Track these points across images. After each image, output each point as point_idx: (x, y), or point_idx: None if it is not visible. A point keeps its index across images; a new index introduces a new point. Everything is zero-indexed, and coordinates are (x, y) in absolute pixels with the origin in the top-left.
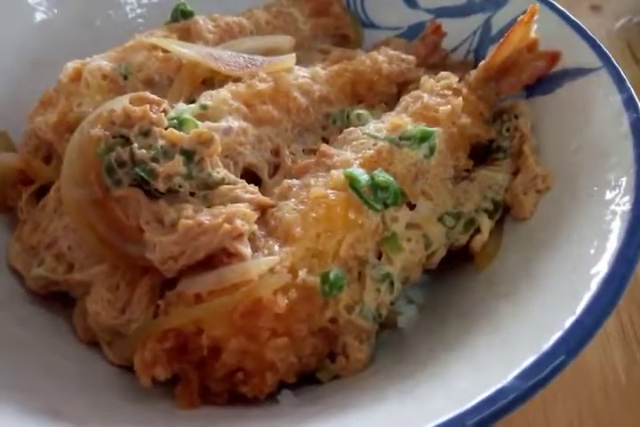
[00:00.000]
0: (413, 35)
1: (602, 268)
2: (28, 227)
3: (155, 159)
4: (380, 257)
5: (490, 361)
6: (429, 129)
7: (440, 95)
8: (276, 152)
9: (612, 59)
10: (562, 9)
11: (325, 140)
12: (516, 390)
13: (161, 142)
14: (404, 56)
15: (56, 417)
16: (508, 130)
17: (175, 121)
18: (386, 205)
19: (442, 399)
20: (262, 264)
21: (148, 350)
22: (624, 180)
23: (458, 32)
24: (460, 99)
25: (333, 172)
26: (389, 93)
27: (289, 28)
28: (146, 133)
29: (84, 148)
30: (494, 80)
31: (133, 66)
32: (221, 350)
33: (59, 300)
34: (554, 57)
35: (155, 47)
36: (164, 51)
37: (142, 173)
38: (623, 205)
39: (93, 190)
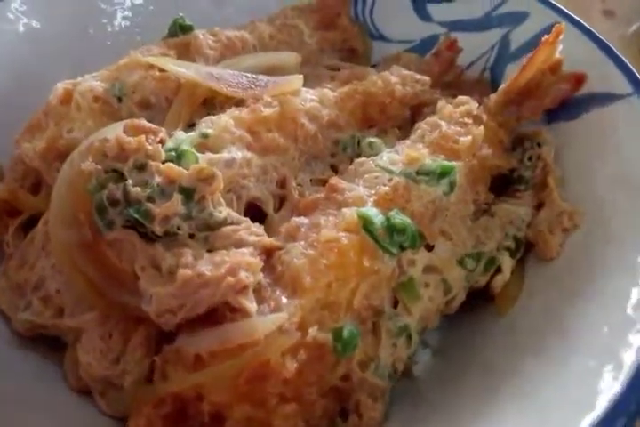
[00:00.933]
0: (426, 49)
1: None
2: (15, 262)
3: (151, 198)
4: (395, 305)
5: None
6: (449, 164)
7: (459, 123)
8: (282, 183)
9: None
10: (588, 27)
11: (334, 169)
12: None
13: (158, 179)
14: (418, 77)
15: None
16: (530, 159)
17: (173, 153)
18: (402, 248)
19: None
20: (269, 322)
21: (144, 417)
22: None
23: (473, 47)
24: (482, 128)
25: (345, 211)
26: (403, 117)
27: (294, 42)
28: (141, 168)
29: (73, 183)
30: (515, 104)
31: (128, 86)
32: (225, 418)
33: (48, 343)
34: (579, 79)
35: (151, 66)
36: (161, 69)
37: (137, 215)
38: None
39: (83, 232)
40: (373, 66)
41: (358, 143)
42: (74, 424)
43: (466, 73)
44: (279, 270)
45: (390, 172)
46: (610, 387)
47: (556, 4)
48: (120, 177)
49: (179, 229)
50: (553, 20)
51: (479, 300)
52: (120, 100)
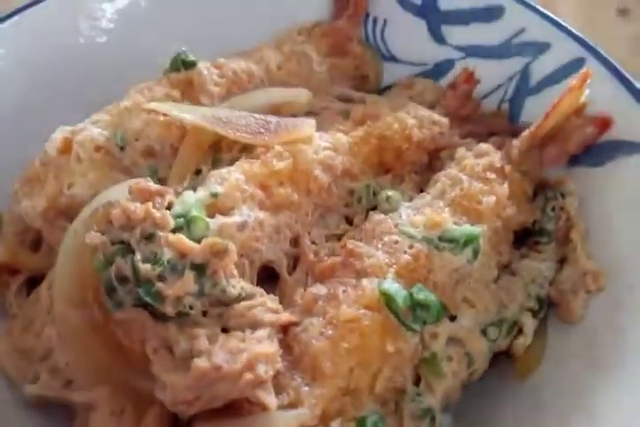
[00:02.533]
0: (440, 73)
1: None
2: (19, 324)
3: (161, 277)
4: (417, 381)
5: None
6: (474, 231)
7: (481, 179)
8: (296, 241)
9: None
10: (615, 65)
11: (349, 221)
12: None
13: (168, 255)
14: (436, 118)
15: None
16: (552, 209)
17: (182, 220)
18: (425, 323)
19: None
20: (291, 419)
21: None
22: None
23: (491, 77)
24: (505, 186)
25: (365, 283)
26: (420, 162)
27: (303, 71)
28: (149, 238)
29: (78, 257)
30: (538, 148)
31: (130, 133)
32: None
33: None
34: (605, 123)
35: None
36: (165, 113)
37: (147, 298)
38: None
39: (92, 313)
40: (384, 89)
41: (374, 193)
42: None
43: (483, 105)
44: (297, 352)
45: (411, 237)
46: None
47: (580, 36)
48: (127, 249)
49: (191, 308)
50: (577, 53)
51: (500, 359)
52: (122, 149)
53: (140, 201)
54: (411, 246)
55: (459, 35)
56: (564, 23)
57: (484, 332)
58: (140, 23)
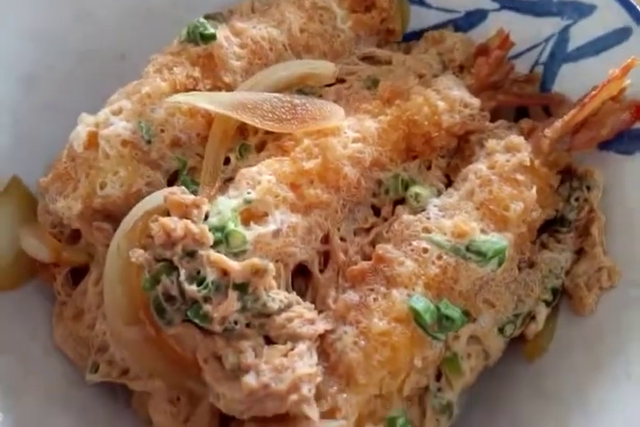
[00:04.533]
0: (471, 23)
1: None
2: (70, 312)
3: (207, 298)
4: (438, 377)
5: None
6: (501, 246)
7: (511, 181)
8: (326, 239)
9: None
10: None
11: (376, 210)
12: None
13: (211, 276)
14: (467, 100)
15: None
16: (576, 200)
17: (220, 234)
18: (448, 331)
19: None
20: None
21: None
22: None
23: (526, 34)
24: (534, 191)
25: (395, 295)
26: (449, 148)
27: (327, 31)
28: (191, 254)
29: (125, 277)
30: (570, 133)
31: (155, 125)
32: None
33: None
34: (638, 110)
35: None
36: None
37: (196, 320)
38: None
39: (146, 329)
40: (411, 36)
41: (403, 184)
42: None
43: (514, 65)
44: (333, 359)
45: (440, 246)
46: None
47: (632, 1)
48: (171, 266)
49: (236, 323)
50: (624, 21)
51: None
52: (149, 142)
53: (178, 214)
54: (439, 257)
55: None
56: None
57: (500, 329)
58: None
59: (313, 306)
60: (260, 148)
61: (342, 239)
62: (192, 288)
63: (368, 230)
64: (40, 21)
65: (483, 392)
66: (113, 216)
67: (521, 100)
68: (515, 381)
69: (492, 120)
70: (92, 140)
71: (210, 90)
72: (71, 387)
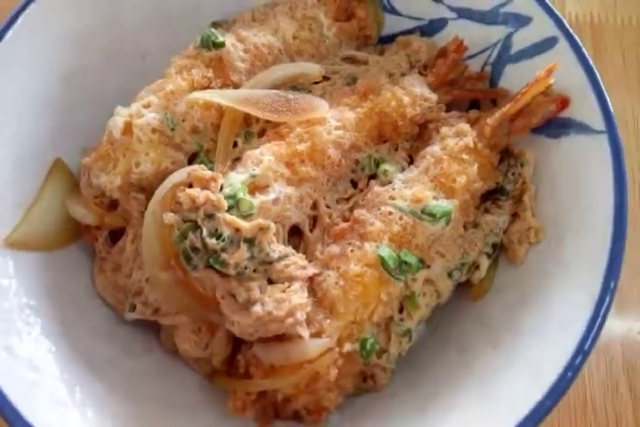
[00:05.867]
0: (434, 29)
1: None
2: (109, 265)
3: (224, 249)
4: (401, 310)
5: (478, 415)
6: (447, 208)
7: (458, 160)
8: (314, 205)
9: (616, 128)
10: (583, 51)
11: (354, 184)
12: None
13: (227, 232)
14: (426, 95)
15: None
16: (512, 174)
17: (232, 200)
18: (407, 274)
19: None
20: (320, 346)
21: (239, 399)
22: (600, 261)
23: (478, 39)
24: (475, 167)
25: (367, 246)
26: (412, 133)
27: (315, 37)
28: (210, 216)
29: (160, 234)
30: (508, 121)
31: (178, 116)
32: (291, 401)
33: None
34: (564, 102)
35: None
36: None
37: (216, 265)
38: (594, 282)
39: (176, 273)
40: (385, 40)
41: (375, 163)
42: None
43: (468, 65)
44: (319, 295)
45: (401, 210)
46: (538, 390)
47: (558, 15)
48: (195, 225)
49: (245, 268)
50: (552, 32)
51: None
52: (173, 129)
53: (199, 186)
54: (401, 218)
55: None
56: (546, 0)
57: (449, 274)
58: None
59: (304, 256)
60: (261, 134)
61: (327, 206)
62: (212, 242)
63: (347, 199)
64: (77, 25)
65: (438, 325)
66: (145, 188)
67: (473, 94)
68: (462, 315)
69: (448, 110)
70: (128, 128)
71: (221, 87)
72: (112, 324)
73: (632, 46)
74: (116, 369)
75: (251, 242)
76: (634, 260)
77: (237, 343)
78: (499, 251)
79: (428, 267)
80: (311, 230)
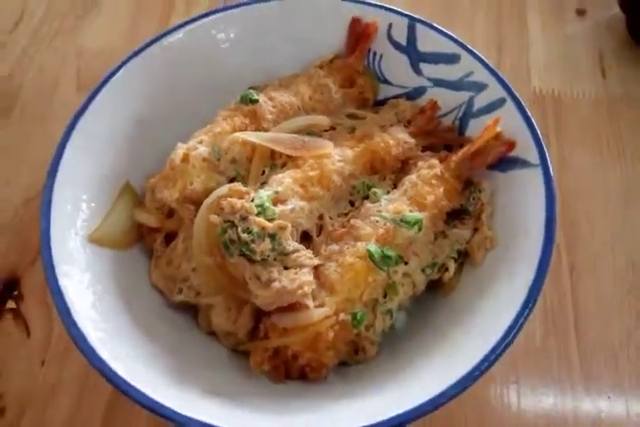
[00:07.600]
0: (417, 94)
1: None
2: (164, 261)
3: (253, 241)
4: (385, 296)
5: (441, 370)
6: (419, 217)
7: (429, 184)
8: (321, 217)
9: (549, 161)
10: (524, 106)
11: (351, 203)
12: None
13: (255, 229)
14: (407, 140)
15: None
16: (473, 199)
17: (260, 208)
18: (389, 266)
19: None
20: (321, 313)
21: (259, 356)
22: (535, 258)
23: (449, 101)
24: (441, 190)
25: (359, 244)
26: (396, 167)
27: (325, 98)
28: (244, 218)
29: (207, 230)
30: (469, 159)
31: (222, 150)
32: (298, 357)
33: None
34: (511, 145)
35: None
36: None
37: (247, 253)
38: (531, 271)
39: (217, 259)
40: (380, 102)
41: (367, 187)
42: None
43: (442, 122)
44: (322, 280)
45: (385, 219)
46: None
47: (506, 82)
48: (233, 224)
49: (268, 256)
50: (501, 94)
51: (433, 284)
52: (218, 160)
53: (237, 197)
54: (385, 224)
55: (430, 70)
56: (497, 71)
57: (423, 270)
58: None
59: (312, 252)
60: (283, 165)
61: (330, 218)
62: (244, 236)
63: (346, 214)
64: (147, 87)
65: (417, 315)
66: (195, 202)
67: (445, 140)
68: (436, 306)
69: (423, 151)
70: (185, 158)
71: (254, 131)
72: (163, 306)
73: (585, 114)
74: (166, 338)
75: (272, 237)
76: None
77: (257, 321)
78: (463, 257)
79: (406, 263)
80: (318, 236)
